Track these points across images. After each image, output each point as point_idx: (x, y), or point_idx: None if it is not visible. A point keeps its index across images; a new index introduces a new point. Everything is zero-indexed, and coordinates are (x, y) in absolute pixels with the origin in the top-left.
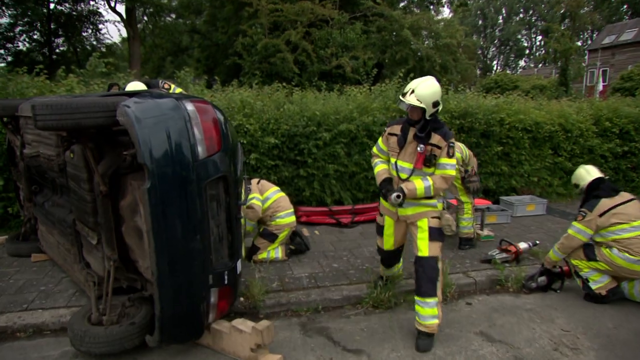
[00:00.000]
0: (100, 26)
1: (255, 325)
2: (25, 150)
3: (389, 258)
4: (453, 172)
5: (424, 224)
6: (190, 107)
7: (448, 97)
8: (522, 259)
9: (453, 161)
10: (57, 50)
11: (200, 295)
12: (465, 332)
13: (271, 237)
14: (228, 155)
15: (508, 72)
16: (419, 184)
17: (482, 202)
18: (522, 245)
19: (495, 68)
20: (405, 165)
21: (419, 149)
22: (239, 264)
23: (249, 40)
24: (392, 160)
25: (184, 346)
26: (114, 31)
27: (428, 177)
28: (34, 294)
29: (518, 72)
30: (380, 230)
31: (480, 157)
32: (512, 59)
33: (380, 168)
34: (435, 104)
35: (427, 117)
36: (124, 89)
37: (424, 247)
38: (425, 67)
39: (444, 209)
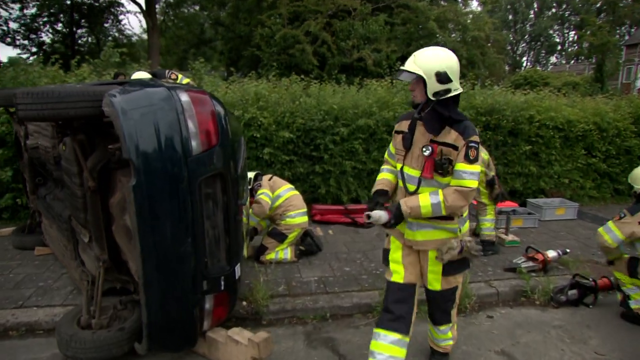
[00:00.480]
0: (121, 17)
1: (251, 337)
2: (28, 141)
3: (398, 297)
4: (474, 184)
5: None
6: (184, 97)
7: (474, 92)
8: (550, 268)
9: (475, 168)
10: (80, 42)
11: (193, 302)
12: (485, 350)
13: (280, 237)
14: (227, 150)
15: (538, 68)
16: (424, 200)
17: (508, 205)
18: (551, 254)
19: (524, 64)
20: (413, 172)
21: (423, 150)
22: (237, 268)
23: (267, 31)
24: (398, 166)
25: (179, 354)
26: (135, 23)
27: (439, 191)
28: (31, 290)
29: (549, 69)
30: (385, 256)
31: (507, 157)
32: (543, 55)
33: (379, 177)
34: (442, 78)
35: (431, 97)
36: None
37: (436, 282)
38: None
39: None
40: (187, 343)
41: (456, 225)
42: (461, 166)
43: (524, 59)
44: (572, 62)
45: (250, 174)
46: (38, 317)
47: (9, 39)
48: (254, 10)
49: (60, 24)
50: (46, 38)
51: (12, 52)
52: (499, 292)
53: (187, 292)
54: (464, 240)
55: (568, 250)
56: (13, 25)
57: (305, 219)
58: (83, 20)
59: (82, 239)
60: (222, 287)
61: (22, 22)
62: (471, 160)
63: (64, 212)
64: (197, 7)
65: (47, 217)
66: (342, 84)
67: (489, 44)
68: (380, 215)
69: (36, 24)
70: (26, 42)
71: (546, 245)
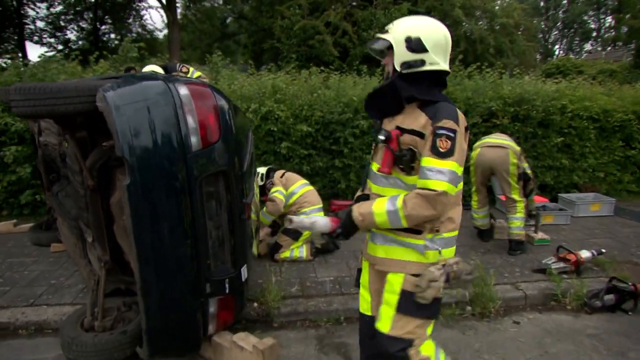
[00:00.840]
0: (143, 12)
1: (256, 344)
2: (41, 138)
3: (369, 331)
4: (442, 186)
5: (396, 281)
6: (183, 91)
7: (502, 82)
8: (583, 270)
9: (446, 164)
10: (104, 38)
11: (195, 305)
12: None
13: (295, 235)
14: (230, 147)
15: (572, 56)
16: (379, 207)
17: (538, 200)
18: (584, 254)
19: (557, 53)
20: (374, 168)
21: (379, 136)
22: (244, 270)
23: (287, 23)
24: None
25: (185, 357)
26: (159, 18)
27: (400, 195)
28: (43, 288)
29: (583, 57)
30: (357, 277)
31: (537, 149)
32: (577, 42)
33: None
34: (413, 45)
35: (397, 67)
36: None
37: (386, 318)
38: (477, 50)
39: (438, 265)
40: (190, 348)
41: (422, 241)
42: (426, 161)
43: (556, 47)
44: (609, 48)
45: (262, 170)
46: (47, 316)
47: (36, 38)
48: (276, 2)
49: (84, 22)
50: (71, 36)
51: (40, 50)
52: (527, 296)
53: (188, 296)
54: (448, 265)
55: (604, 250)
56: (40, 23)
57: (321, 214)
58: (106, 17)
59: (87, 239)
60: (227, 290)
61: (49, 20)
62: (441, 154)
63: (73, 210)
64: (220, 1)
65: (59, 214)
66: (363, 75)
67: (520, 32)
68: (315, 221)
69: (62, 22)
70: (52, 40)
71: (579, 244)
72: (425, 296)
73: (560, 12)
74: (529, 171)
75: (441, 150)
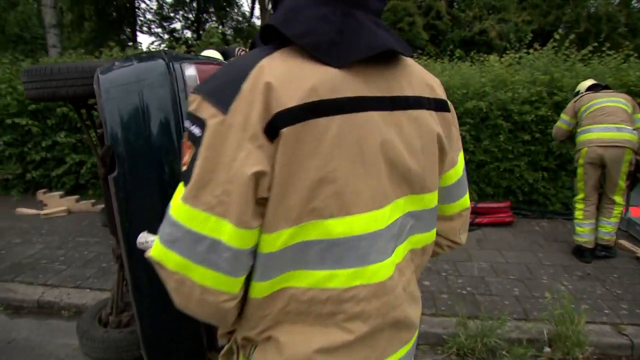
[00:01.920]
0: (241, 2)
1: None
2: None
3: None
4: (154, 249)
5: None
6: (190, 72)
7: (627, 67)
8: None
9: (175, 201)
10: (206, 27)
11: None
12: None
13: None
14: None
15: None
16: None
17: None
18: None
19: None
20: None
21: None
22: None
23: None
24: None
25: None
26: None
27: None
28: (93, 270)
29: None
30: None
31: None
32: None
33: None
34: None
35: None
36: None
37: None
38: (602, 31)
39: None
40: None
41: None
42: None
43: None
44: None
45: None
46: (87, 300)
47: (145, 28)
48: None
49: (187, 11)
50: (177, 25)
51: (148, 39)
52: (634, 345)
53: None
54: None
55: None
56: (149, 15)
57: None
58: (208, 5)
59: None
60: None
61: (157, 11)
62: (181, 174)
63: None
64: None
65: None
66: (455, 60)
67: None
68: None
69: (170, 13)
70: (159, 30)
71: None
72: None
73: None
74: None
75: (182, 165)
